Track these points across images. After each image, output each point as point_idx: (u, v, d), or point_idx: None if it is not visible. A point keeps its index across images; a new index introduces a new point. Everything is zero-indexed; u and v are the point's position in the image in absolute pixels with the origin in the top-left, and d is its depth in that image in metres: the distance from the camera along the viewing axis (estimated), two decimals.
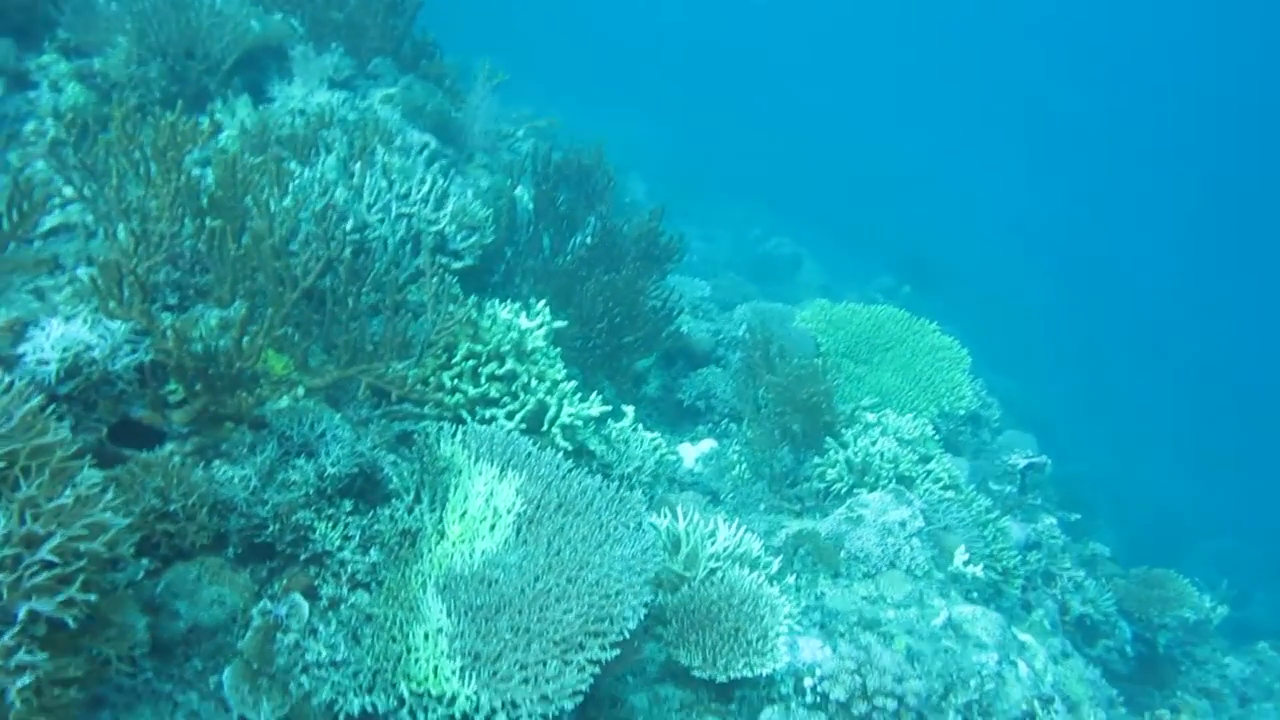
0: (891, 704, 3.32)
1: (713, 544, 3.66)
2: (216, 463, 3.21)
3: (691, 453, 5.57)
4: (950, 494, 4.90)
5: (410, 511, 3.24)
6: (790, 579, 4.07)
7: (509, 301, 4.37)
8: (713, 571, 3.57)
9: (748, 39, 41.41)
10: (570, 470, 3.44)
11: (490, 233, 5.32)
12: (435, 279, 3.59)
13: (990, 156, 37.33)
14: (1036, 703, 3.79)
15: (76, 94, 4.81)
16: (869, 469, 4.87)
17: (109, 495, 2.35)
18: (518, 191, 5.98)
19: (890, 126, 37.30)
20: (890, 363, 6.62)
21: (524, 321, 4.18)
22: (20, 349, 3.05)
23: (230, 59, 5.20)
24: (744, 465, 5.28)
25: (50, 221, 4.16)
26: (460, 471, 3.37)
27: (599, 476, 3.45)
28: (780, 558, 4.04)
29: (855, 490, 4.84)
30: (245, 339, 3.04)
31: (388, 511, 3.23)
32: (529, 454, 3.47)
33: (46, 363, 3.00)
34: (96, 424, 3.10)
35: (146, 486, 2.89)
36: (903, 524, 4.32)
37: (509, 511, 3.24)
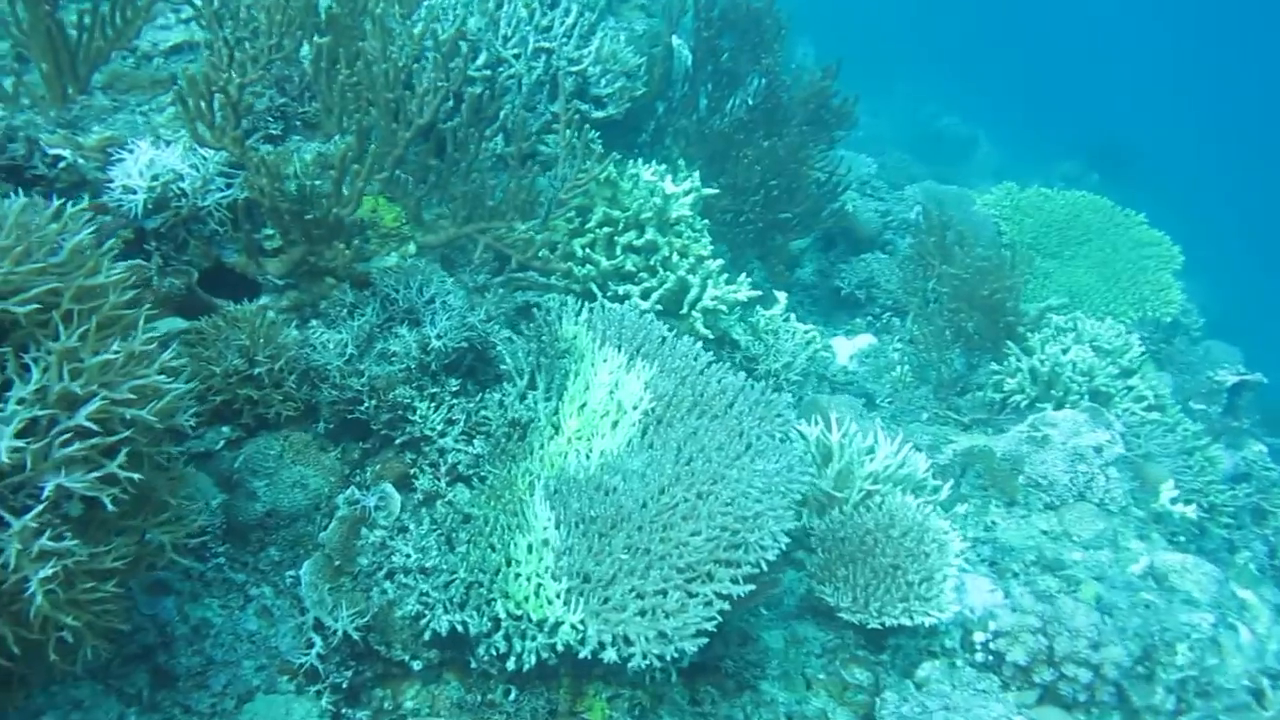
0: (1085, 674, 2.77)
1: (870, 461, 3.12)
2: (314, 323, 2.84)
3: (847, 348, 4.96)
4: (1154, 416, 4.17)
5: (523, 398, 2.82)
6: (960, 508, 3.50)
7: (654, 163, 3.80)
8: (869, 494, 3.04)
9: None
10: (709, 364, 2.93)
11: (641, 83, 4.72)
12: (570, 128, 3.05)
13: (1197, 26, 33.34)
14: (1265, 679, 3.16)
15: None
16: (1057, 381, 4.16)
17: (169, 353, 1.98)
18: (675, 39, 5.31)
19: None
20: (1086, 258, 5.75)
21: (669, 186, 3.62)
22: (110, 174, 2.72)
23: None
24: (906, 367, 4.66)
25: (175, 37, 3.80)
26: (583, 357, 2.90)
27: (741, 374, 2.93)
28: (948, 481, 3.47)
29: (1039, 405, 4.17)
30: (346, 181, 2.60)
31: (497, 396, 2.81)
32: (663, 340, 2.97)
33: (134, 191, 2.66)
34: (186, 267, 2.76)
35: (230, 344, 2.55)
36: (1098, 449, 3.65)
37: (635, 408, 2.77)
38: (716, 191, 3.91)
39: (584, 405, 2.81)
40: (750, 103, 5.17)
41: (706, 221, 3.79)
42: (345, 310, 2.80)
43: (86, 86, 3.07)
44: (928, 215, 5.26)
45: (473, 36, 3.43)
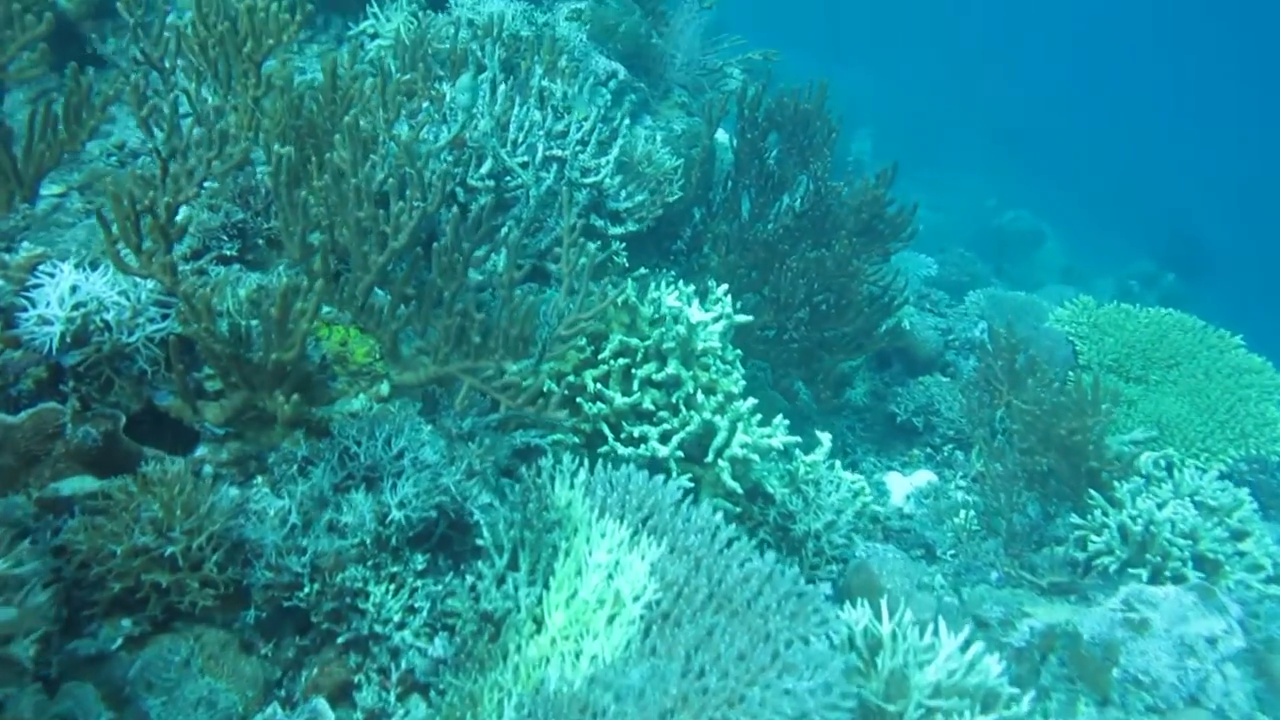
0: None
1: (931, 665, 2.54)
2: (258, 480, 2.39)
3: (902, 486, 4.39)
4: (1275, 590, 3.51)
5: (501, 582, 2.31)
6: None
7: (677, 284, 3.33)
8: (929, 713, 2.45)
9: None
10: (731, 541, 2.40)
11: (677, 188, 4.31)
12: (575, 252, 2.60)
13: (1271, 114, 32.48)
14: None
15: None
16: (1152, 543, 3.54)
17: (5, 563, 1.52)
18: (718, 137, 4.91)
19: (1149, 85, 33.20)
20: (1175, 384, 5.12)
21: (696, 313, 3.14)
22: (33, 298, 2.31)
23: None
24: (971, 513, 4.06)
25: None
26: (577, 530, 2.39)
27: (770, 554, 2.39)
28: (1026, 671, 2.87)
29: (1132, 570, 3.54)
30: (293, 318, 2.16)
31: (470, 580, 2.30)
32: (675, 509, 2.46)
33: (49, 322, 2.25)
34: (111, 411, 2.32)
35: (141, 515, 2.09)
36: (1211, 640, 3.01)
37: (637, 599, 2.24)
38: (750, 319, 3.42)
39: (574, 594, 2.29)
40: (797, 209, 4.72)
41: (739, 352, 3.30)
42: (295, 467, 2.34)
43: (33, 194, 2.70)
44: (994, 335, 4.71)
45: (475, 142, 3.03)
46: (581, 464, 2.56)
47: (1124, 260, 16.47)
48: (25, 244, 2.51)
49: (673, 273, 4.50)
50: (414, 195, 2.36)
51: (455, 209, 2.72)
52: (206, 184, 2.46)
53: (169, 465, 2.19)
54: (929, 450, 4.74)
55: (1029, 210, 17.29)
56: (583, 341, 3.08)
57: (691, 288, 3.33)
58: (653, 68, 5.04)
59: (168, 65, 2.68)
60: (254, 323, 2.19)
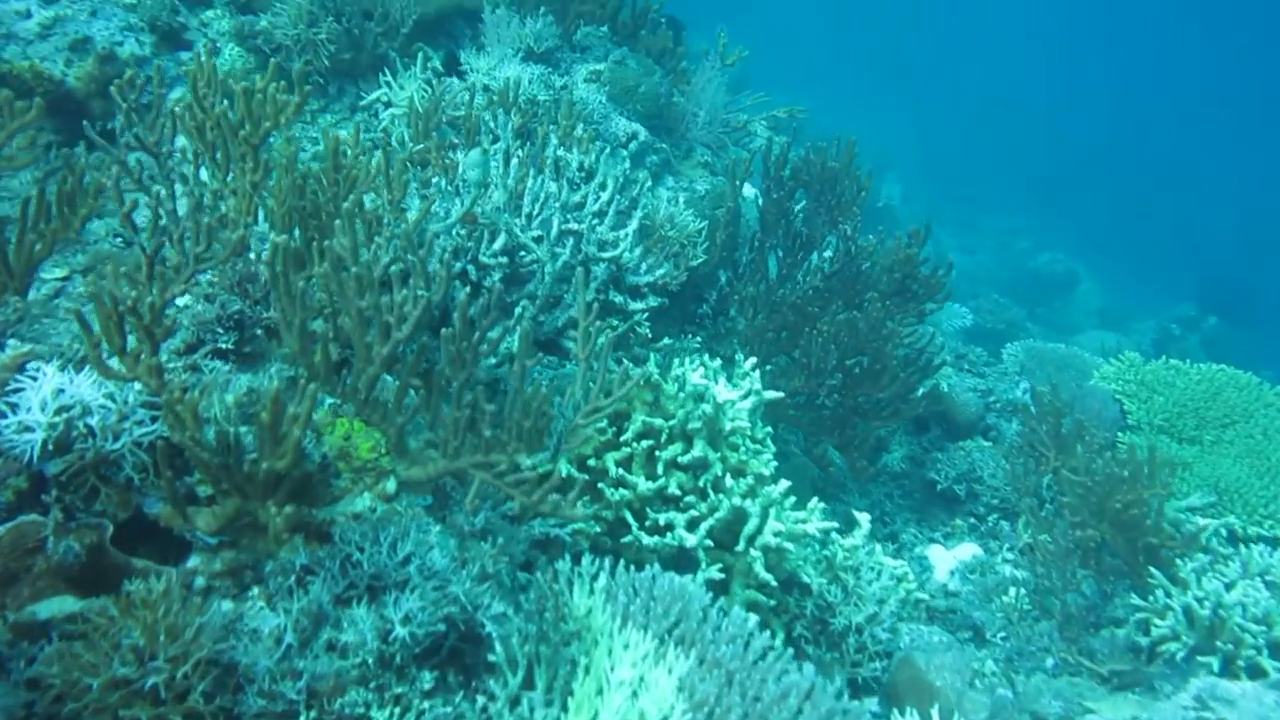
0: None
1: None
2: (254, 591, 2.22)
3: (946, 560, 4.14)
4: None
5: (515, 704, 2.11)
6: None
7: (703, 359, 3.16)
8: None
9: (1015, 22, 37.92)
10: (766, 653, 2.19)
11: (701, 251, 4.16)
12: (592, 331, 2.43)
13: None
14: None
15: (234, 57, 4.05)
16: (1222, 629, 3.28)
17: None
18: (744, 193, 4.76)
19: (1184, 123, 32.87)
20: (1231, 445, 4.85)
21: (723, 391, 2.96)
22: (15, 401, 2.18)
23: (409, 20, 4.30)
24: (1022, 591, 3.81)
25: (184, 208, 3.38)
26: (597, 641, 2.20)
27: (809, 667, 2.17)
28: None
29: (1201, 657, 3.28)
30: (285, 424, 2.01)
31: (481, 701, 2.11)
32: (704, 616, 2.26)
33: (30, 429, 2.11)
34: (97, 520, 2.17)
35: (121, 642, 1.92)
36: None
37: None
38: (780, 395, 3.22)
39: (595, 716, 2.09)
40: (826, 269, 4.55)
41: (769, 429, 3.11)
42: (293, 578, 2.17)
43: (26, 285, 2.59)
44: (1038, 397, 4.48)
45: (487, 217, 2.89)
46: (601, 567, 2.37)
47: (1161, 301, 16.10)
48: (12, 341, 2.39)
49: (697, 339, 4.34)
50: (418, 283, 2.21)
51: (466, 290, 2.57)
52: (202, 275, 2.34)
53: (154, 584, 2.03)
54: (972, 520, 4.49)
55: (1063, 251, 17.02)
56: (604, 422, 2.90)
57: (718, 362, 3.15)
58: (675, 126, 4.92)
59: (164, 150, 2.57)
60: (244, 429, 2.04)
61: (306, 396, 1.93)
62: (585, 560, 2.38)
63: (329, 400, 2.45)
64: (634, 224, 3.04)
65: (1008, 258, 17.13)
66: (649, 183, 4.60)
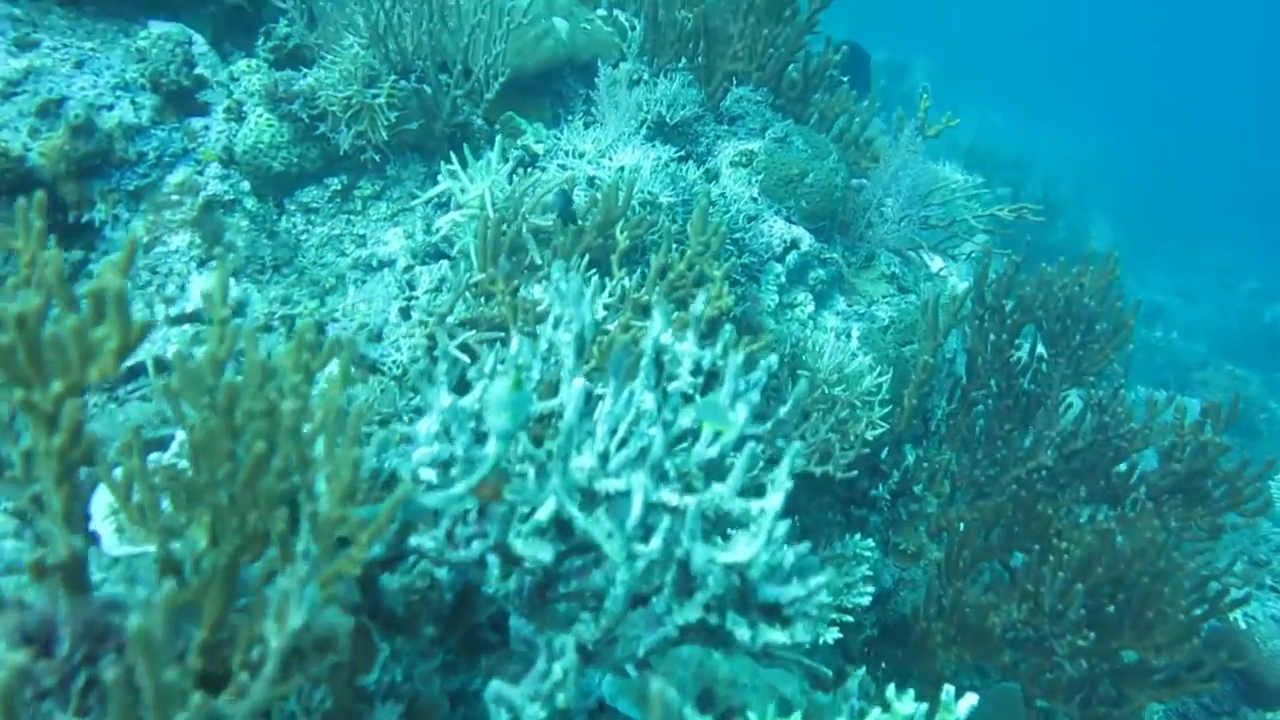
0: None
1: None
2: None
3: None
4: None
5: None
6: None
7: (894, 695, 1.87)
8: None
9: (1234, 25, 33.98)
10: None
11: (879, 416, 2.92)
12: None
13: None
14: None
15: (262, 127, 3.02)
16: None
17: None
18: (948, 339, 3.43)
19: None
20: None
21: None
22: None
23: (498, 79, 3.18)
24: None
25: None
26: None
27: None
28: None
29: None
30: None
31: None
32: None
33: None
34: None
35: None
36: None
37: None
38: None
39: None
40: (1064, 443, 3.17)
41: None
42: None
43: None
44: None
45: (520, 493, 1.70)
46: None
47: None
48: None
49: (869, 541, 3.06)
50: None
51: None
52: None
53: None
54: None
55: None
56: None
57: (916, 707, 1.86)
58: (852, 221, 3.63)
59: None
60: None
61: None
62: None
63: None
64: (782, 490, 1.78)
65: (1228, 302, 14.78)
66: (810, 304, 3.35)
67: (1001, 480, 3.26)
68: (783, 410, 2.02)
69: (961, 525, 3.33)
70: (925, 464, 3.40)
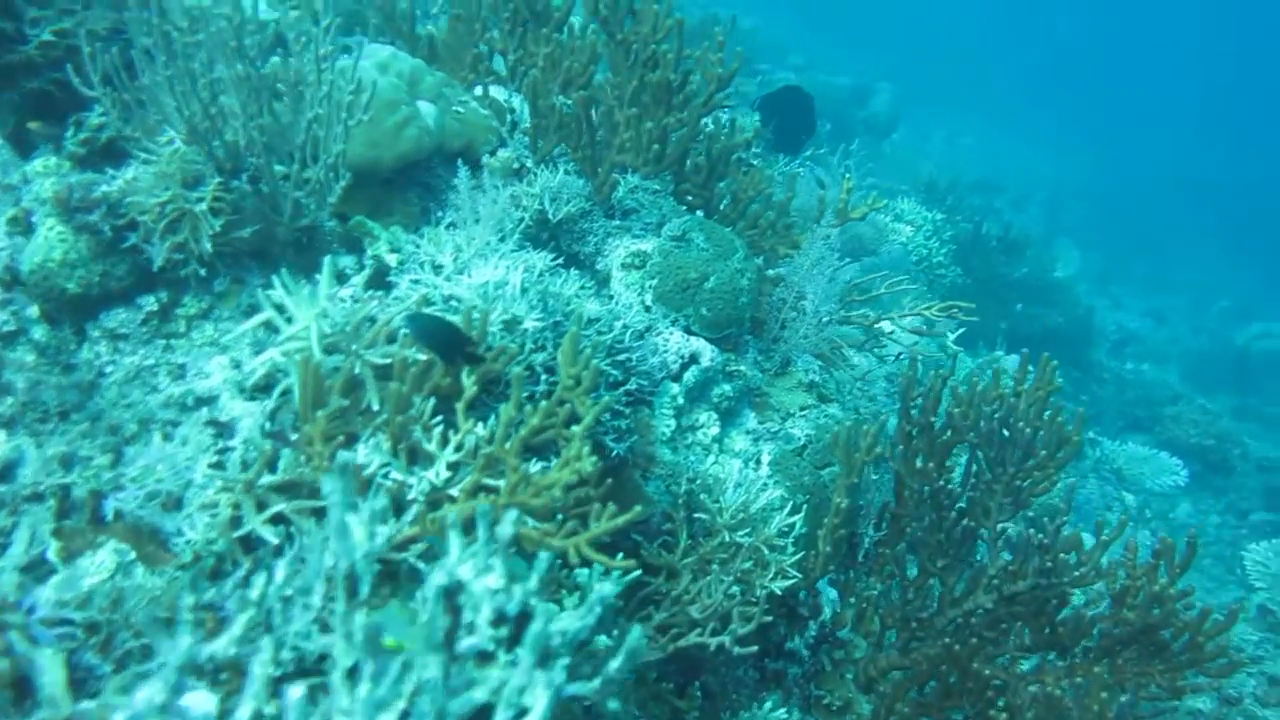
0: None
1: None
2: None
3: None
4: None
5: None
6: None
7: None
8: None
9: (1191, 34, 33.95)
10: None
11: (792, 564, 2.54)
12: None
13: None
14: None
15: (53, 242, 2.57)
16: None
17: None
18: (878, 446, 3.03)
19: None
20: None
21: None
22: None
23: (343, 180, 2.73)
24: None
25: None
26: None
27: None
28: None
29: None
30: None
31: None
32: None
33: None
34: None
35: None
36: None
37: None
38: None
39: None
40: (1003, 583, 2.78)
41: None
42: None
43: None
44: None
45: None
46: None
47: None
48: None
49: (777, 705, 2.66)
50: None
51: None
52: None
53: None
54: None
55: (1273, 314, 14.31)
56: None
57: None
58: (766, 321, 3.22)
59: None
60: None
61: None
62: None
63: None
64: None
65: (1201, 321, 14.49)
66: (714, 425, 2.93)
67: (937, 622, 2.86)
68: (613, 665, 1.62)
69: (894, 674, 2.92)
70: (852, 599, 3.00)
